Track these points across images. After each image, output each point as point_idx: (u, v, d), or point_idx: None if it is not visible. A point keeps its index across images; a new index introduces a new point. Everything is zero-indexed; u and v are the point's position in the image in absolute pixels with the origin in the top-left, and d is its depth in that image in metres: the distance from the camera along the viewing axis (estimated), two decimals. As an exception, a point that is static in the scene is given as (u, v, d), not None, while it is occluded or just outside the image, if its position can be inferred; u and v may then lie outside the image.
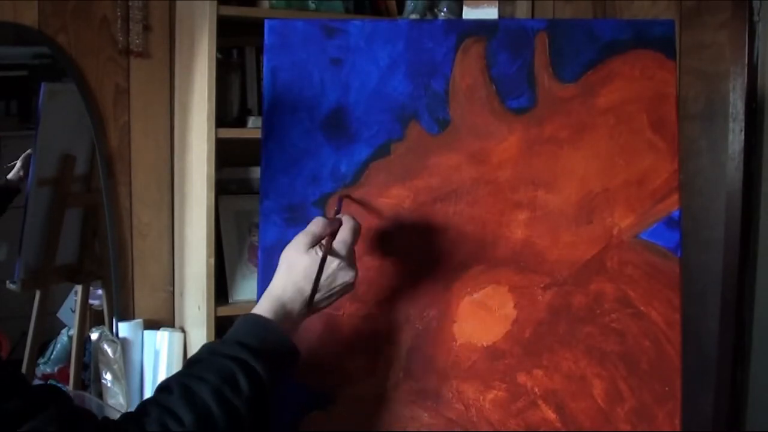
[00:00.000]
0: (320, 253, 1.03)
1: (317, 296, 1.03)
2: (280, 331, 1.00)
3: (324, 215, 1.16)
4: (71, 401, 0.87)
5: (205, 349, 0.98)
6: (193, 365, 0.96)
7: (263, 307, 1.02)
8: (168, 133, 2.09)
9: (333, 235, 1.05)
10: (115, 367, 1.95)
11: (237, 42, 2.02)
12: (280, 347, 0.99)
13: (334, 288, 1.04)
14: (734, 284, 2.17)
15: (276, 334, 0.99)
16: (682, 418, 1.15)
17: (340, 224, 1.07)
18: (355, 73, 1.18)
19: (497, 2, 2.19)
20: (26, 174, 1.91)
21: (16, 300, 1.95)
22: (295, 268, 1.03)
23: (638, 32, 1.19)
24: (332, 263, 1.03)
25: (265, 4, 1.97)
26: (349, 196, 1.16)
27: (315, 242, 1.04)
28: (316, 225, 1.06)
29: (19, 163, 1.92)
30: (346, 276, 1.04)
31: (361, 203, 1.16)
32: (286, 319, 1.02)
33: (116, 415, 0.92)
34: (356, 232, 1.07)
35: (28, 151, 1.92)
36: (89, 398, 1.95)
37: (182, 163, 2.03)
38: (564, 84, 1.19)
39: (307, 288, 1.02)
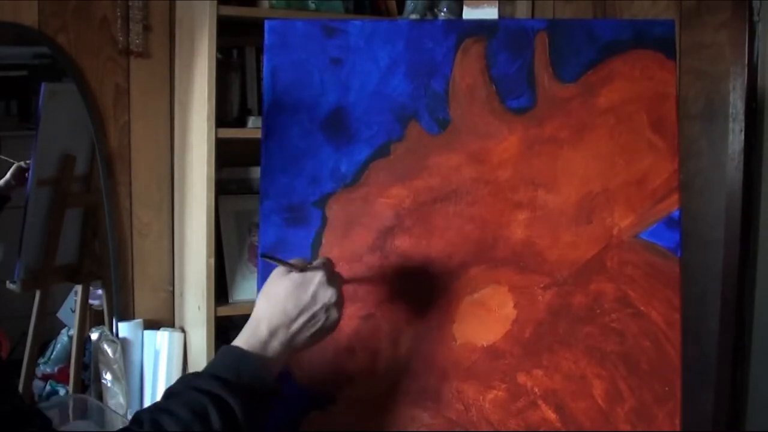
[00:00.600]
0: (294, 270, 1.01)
1: (299, 320, 0.99)
2: (258, 364, 0.96)
3: (323, 214, 1.16)
4: (50, 424, 0.85)
5: (182, 381, 0.96)
6: (168, 398, 0.94)
7: (242, 338, 0.99)
8: (168, 133, 2.09)
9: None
10: (115, 367, 1.95)
11: (237, 42, 2.02)
12: (257, 381, 0.95)
13: (316, 309, 1.00)
14: (734, 284, 2.17)
15: (253, 367, 0.95)
16: (682, 418, 1.15)
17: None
18: (355, 73, 1.18)
19: (497, 2, 2.19)
20: (18, 183, 1.91)
21: (16, 300, 1.95)
22: (272, 291, 1.01)
23: (638, 32, 1.19)
24: (312, 280, 1.00)
25: (265, 4, 1.97)
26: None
27: (292, 270, 1.02)
28: (294, 259, 1.04)
29: (9, 174, 1.92)
30: (325, 294, 1.00)
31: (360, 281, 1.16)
32: (267, 348, 0.98)
33: (117, 417, 0.92)
34: (328, 263, 1.05)
35: (21, 162, 1.92)
36: (90, 401, 1.96)
37: (182, 163, 2.03)
38: (564, 84, 1.19)
39: (289, 307, 0.99)
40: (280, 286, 1.00)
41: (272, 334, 0.98)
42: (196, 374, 0.96)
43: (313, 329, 1.00)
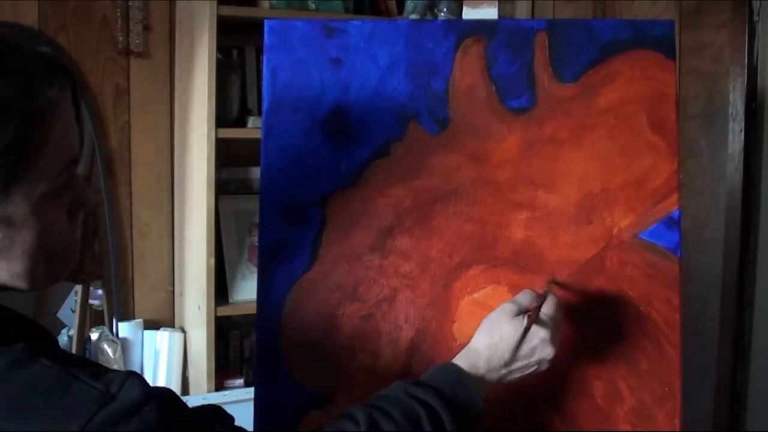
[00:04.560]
0: (525, 323, 1.02)
1: (514, 365, 1.03)
2: (474, 389, 0.98)
3: (323, 214, 1.16)
4: (233, 421, 0.85)
5: (399, 386, 0.96)
6: (383, 399, 0.94)
7: (461, 363, 1.02)
8: (168, 133, 2.09)
9: (538, 309, 1.05)
10: (115, 367, 1.95)
11: (237, 42, 2.02)
12: (471, 405, 0.97)
13: (531, 361, 1.03)
14: (734, 284, 2.17)
15: (470, 391, 0.98)
16: (682, 418, 1.15)
17: (544, 300, 1.07)
18: (355, 73, 1.18)
19: (497, 2, 2.19)
20: None
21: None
22: (498, 332, 1.03)
23: (638, 32, 1.19)
24: (537, 334, 1.02)
25: (265, 4, 1.97)
26: (557, 283, 1.15)
27: (520, 312, 1.04)
28: (523, 296, 1.06)
29: None
30: (544, 351, 1.03)
31: (567, 288, 1.16)
32: (479, 380, 1.01)
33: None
34: (560, 307, 1.07)
35: None
36: None
37: (182, 163, 2.03)
38: (564, 84, 1.19)
39: (507, 354, 1.02)
40: (504, 330, 1.03)
41: (488, 370, 1.02)
42: (412, 382, 0.97)
43: (522, 374, 1.04)
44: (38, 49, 0.80)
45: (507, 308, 1.04)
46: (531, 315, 1.03)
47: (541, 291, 1.09)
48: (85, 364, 0.79)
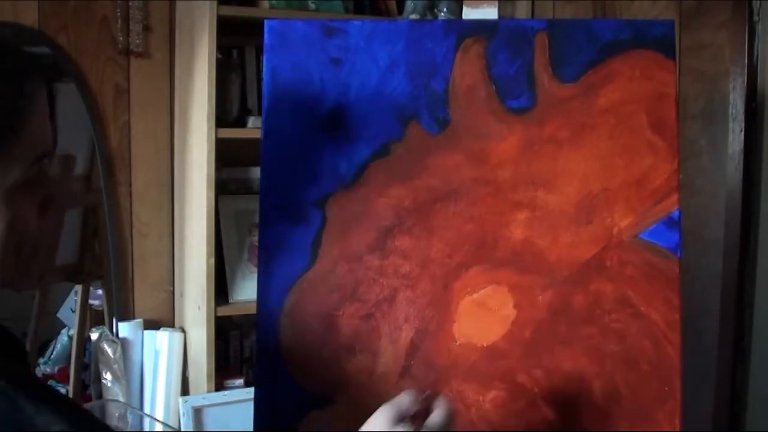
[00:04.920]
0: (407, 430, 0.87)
1: None
2: None
3: (323, 214, 1.16)
4: None
5: None
6: None
7: None
8: (168, 133, 2.09)
9: (423, 414, 0.90)
10: (115, 367, 1.95)
11: (237, 42, 2.02)
12: None
13: None
14: (734, 284, 2.17)
15: None
16: (682, 418, 1.15)
17: (430, 403, 0.91)
18: (355, 73, 1.18)
19: (497, 2, 2.19)
20: None
21: (16, 300, 1.95)
22: None
23: (638, 32, 1.19)
24: None
25: (265, 4, 1.97)
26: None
27: (401, 418, 0.88)
28: (405, 397, 0.90)
29: None
30: None
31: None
32: None
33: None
34: (452, 416, 0.90)
35: None
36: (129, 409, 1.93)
37: (182, 163, 2.03)
38: (564, 84, 1.19)
39: None
40: None
41: None
42: None
43: None
44: (19, 46, 0.81)
45: (386, 415, 0.89)
46: (415, 423, 0.88)
47: (424, 394, 0.92)
48: (47, 400, 0.75)
